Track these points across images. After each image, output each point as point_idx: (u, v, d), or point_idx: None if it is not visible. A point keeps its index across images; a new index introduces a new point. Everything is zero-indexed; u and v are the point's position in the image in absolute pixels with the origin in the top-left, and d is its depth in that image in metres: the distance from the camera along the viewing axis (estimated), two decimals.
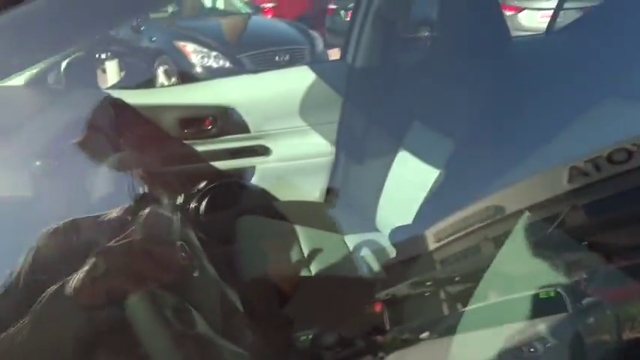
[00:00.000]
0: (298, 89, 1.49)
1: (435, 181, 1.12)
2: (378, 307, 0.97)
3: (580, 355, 0.66)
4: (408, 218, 1.11)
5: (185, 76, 2.77)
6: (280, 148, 1.47)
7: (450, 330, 0.73)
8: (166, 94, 1.55)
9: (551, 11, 1.59)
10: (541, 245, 0.77)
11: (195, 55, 3.02)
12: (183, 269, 0.55)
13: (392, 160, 1.31)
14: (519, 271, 0.78)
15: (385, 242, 1.21)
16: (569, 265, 0.74)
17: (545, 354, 0.63)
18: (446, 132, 1.18)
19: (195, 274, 0.57)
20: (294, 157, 1.49)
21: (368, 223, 1.34)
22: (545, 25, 1.75)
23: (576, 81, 0.92)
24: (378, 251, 1.21)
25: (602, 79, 0.87)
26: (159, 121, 1.38)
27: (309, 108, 1.49)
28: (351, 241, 1.28)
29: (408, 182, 1.28)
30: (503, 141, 1.00)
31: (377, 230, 1.33)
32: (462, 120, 1.14)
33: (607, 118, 0.82)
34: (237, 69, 3.08)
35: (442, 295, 0.87)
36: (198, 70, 3.03)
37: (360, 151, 1.49)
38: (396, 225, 1.17)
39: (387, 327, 0.91)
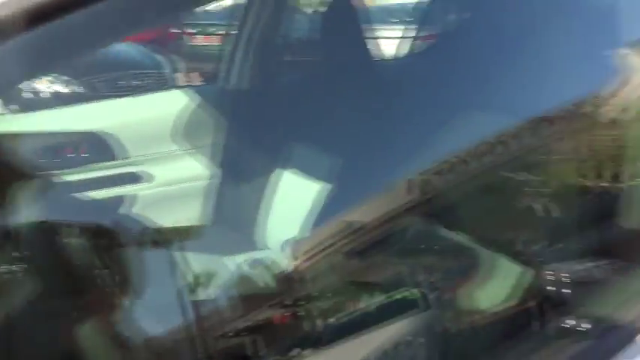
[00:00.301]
0: (175, 112, 1.47)
1: (318, 196, 1.19)
2: (279, 320, 0.98)
3: (446, 344, 0.75)
4: (293, 234, 1.15)
5: (33, 101, 2.50)
6: (162, 172, 1.43)
7: (323, 343, 0.76)
8: (27, 121, 1.41)
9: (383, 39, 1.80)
10: (398, 252, 0.86)
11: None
12: (116, 298, 0.53)
13: (276, 178, 1.35)
14: (383, 278, 0.86)
15: (274, 259, 1.24)
16: (425, 267, 0.85)
17: (417, 349, 0.71)
18: (325, 149, 1.26)
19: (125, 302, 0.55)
20: (177, 181, 1.46)
21: (255, 241, 1.36)
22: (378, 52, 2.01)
23: (435, 97, 1.06)
24: (268, 268, 1.24)
25: (457, 95, 1.02)
26: (20, 151, 1.25)
27: (187, 131, 1.48)
28: (240, 260, 1.29)
29: (292, 199, 1.33)
30: (376, 156, 1.11)
31: (266, 248, 1.35)
32: (339, 137, 1.23)
33: (463, 129, 0.97)
34: (90, 94, 2.88)
35: (314, 310, 0.90)
36: (47, 95, 2.77)
37: (243, 172, 1.51)
38: (283, 241, 1.21)
39: (260, 349, 0.91)
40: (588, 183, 0.89)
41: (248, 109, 1.55)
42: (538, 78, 0.98)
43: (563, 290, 0.79)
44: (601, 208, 0.91)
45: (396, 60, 1.77)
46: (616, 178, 0.87)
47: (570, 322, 0.71)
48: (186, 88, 1.81)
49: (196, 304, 1.14)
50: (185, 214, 1.45)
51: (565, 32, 0.99)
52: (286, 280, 1.10)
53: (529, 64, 0.98)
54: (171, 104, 1.50)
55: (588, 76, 0.98)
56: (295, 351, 0.77)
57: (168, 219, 1.40)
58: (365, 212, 0.90)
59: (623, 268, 0.79)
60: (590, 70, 0.99)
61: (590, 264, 0.83)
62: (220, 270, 1.24)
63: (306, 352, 0.76)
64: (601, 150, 0.89)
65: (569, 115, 0.91)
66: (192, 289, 1.17)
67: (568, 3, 1.05)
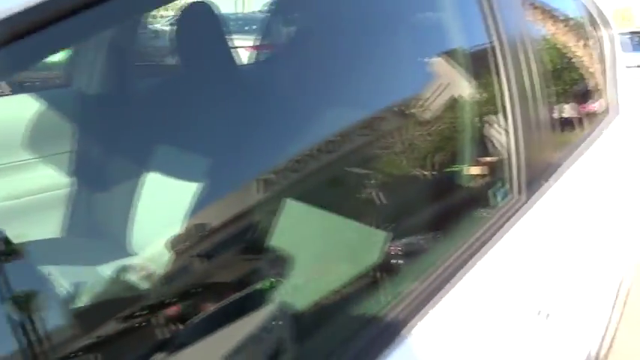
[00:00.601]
0: (20, 119, 1.38)
1: (180, 199, 1.20)
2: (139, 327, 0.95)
3: (297, 319, 0.82)
4: (155, 237, 1.15)
5: None
6: (7, 185, 1.33)
7: (188, 345, 0.76)
8: None
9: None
10: (248, 250, 0.92)
11: None
12: None
13: (140, 183, 1.34)
14: (242, 273, 0.91)
15: (141, 265, 1.23)
16: (271, 260, 0.90)
17: (278, 328, 0.77)
18: (191, 150, 1.28)
19: None
20: (27, 193, 1.36)
21: (121, 248, 1.33)
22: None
23: (294, 97, 1.15)
24: (129, 275, 1.22)
25: (304, 98, 1.12)
26: None
27: (36, 139, 1.39)
28: (107, 269, 1.25)
29: (152, 202, 1.32)
30: (242, 155, 1.17)
31: (133, 254, 1.33)
32: (206, 138, 1.25)
33: (312, 128, 1.08)
34: None
35: (179, 313, 0.88)
36: None
37: (102, 179, 1.46)
38: (149, 246, 1.21)
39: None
40: (413, 172, 1.07)
41: (109, 113, 1.49)
42: (372, 82, 1.14)
43: (399, 261, 0.95)
44: (425, 191, 1.11)
45: (250, 65, 1.85)
46: (433, 167, 1.07)
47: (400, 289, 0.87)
48: (41, 92, 1.67)
49: (43, 323, 1.07)
50: (36, 228, 1.36)
51: (391, 43, 1.17)
52: (150, 284, 1.10)
53: (365, 70, 1.14)
54: (24, 109, 1.39)
55: (410, 81, 1.17)
56: (158, 356, 0.76)
57: (23, 233, 1.30)
58: (223, 212, 0.95)
59: (437, 237, 0.98)
60: (411, 75, 1.18)
61: (417, 237, 1.00)
62: (77, 282, 1.18)
63: (166, 355, 0.76)
64: (420, 144, 1.09)
65: (395, 113, 1.09)
66: (39, 307, 1.09)
67: (394, 21, 1.23)
